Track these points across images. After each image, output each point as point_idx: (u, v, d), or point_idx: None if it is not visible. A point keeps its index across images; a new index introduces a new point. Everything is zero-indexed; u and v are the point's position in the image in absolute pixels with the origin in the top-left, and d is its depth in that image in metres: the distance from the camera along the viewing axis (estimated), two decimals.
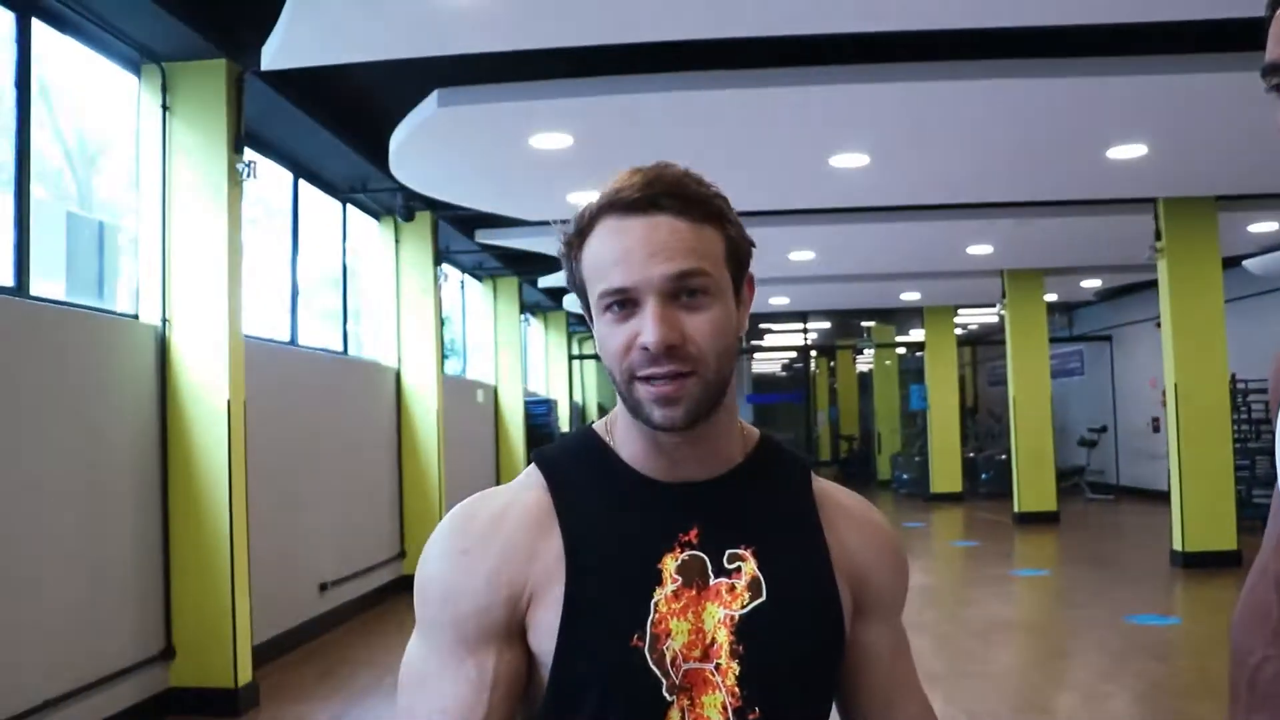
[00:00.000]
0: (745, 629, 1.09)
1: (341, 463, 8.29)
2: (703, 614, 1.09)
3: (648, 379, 1.07)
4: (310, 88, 6.49)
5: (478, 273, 13.79)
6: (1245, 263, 12.54)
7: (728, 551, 1.12)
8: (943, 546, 12.53)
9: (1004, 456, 17.62)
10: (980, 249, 11.97)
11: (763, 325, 22.06)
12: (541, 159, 7.16)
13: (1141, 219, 9.93)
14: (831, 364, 27.32)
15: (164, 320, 5.69)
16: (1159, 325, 15.72)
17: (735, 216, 1.15)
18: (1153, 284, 15.01)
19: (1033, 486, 14.01)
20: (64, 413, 4.91)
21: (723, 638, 1.09)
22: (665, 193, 1.08)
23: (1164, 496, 14.83)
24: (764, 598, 1.11)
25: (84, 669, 4.93)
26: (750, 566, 1.12)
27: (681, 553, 1.10)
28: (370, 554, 8.80)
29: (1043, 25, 5.41)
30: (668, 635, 1.07)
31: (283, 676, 6.45)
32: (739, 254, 1.14)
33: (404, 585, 9.14)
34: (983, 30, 5.48)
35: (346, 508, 8.36)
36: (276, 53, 5.11)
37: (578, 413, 18.88)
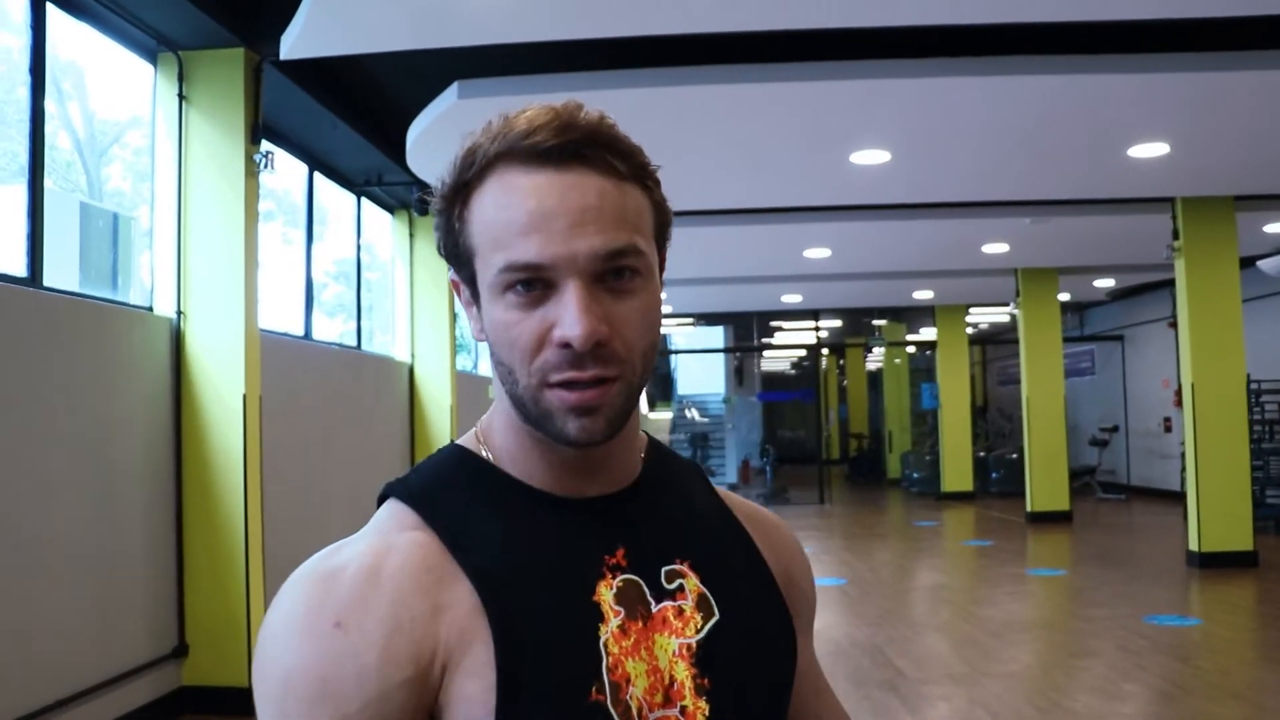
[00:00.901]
0: (706, 658, 0.91)
1: (355, 457, 8.24)
2: (654, 649, 0.89)
3: (566, 384, 0.85)
4: (327, 78, 6.45)
5: None
6: (1260, 263, 12.44)
7: (664, 569, 0.93)
8: (956, 546, 12.45)
9: (1014, 456, 17.57)
10: (996, 247, 11.89)
11: (774, 323, 22.00)
12: None
13: (1159, 219, 9.85)
14: (841, 362, 27.25)
15: (179, 313, 5.64)
16: (1171, 325, 15.68)
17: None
18: (1165, 284, 15.01)
19: (1046, 486, 13.93)
20: (77, 406, 4.85)
21: (682, 674, 0.89)
22: (589, 140, 0.86)
23: (1175, 496, 14.81)
24: (718, 616, 0.93)
25: (97, 667, 4.88)
26: (693, 582, 0.94)
27: (614, 578, 0.89)
28: None
29: (1067, 20, 5.33)
30: (627, 681, 0.86)
31: None
32: (665, 224, 0.93)
33: None
34: (1007, 25, 5.42)
35: (361, 503, 8.30)
36: (296, 42, 5.05)
37: None
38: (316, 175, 7.92)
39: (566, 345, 0.83)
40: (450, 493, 0.91)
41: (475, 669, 0.82)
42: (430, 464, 0.95)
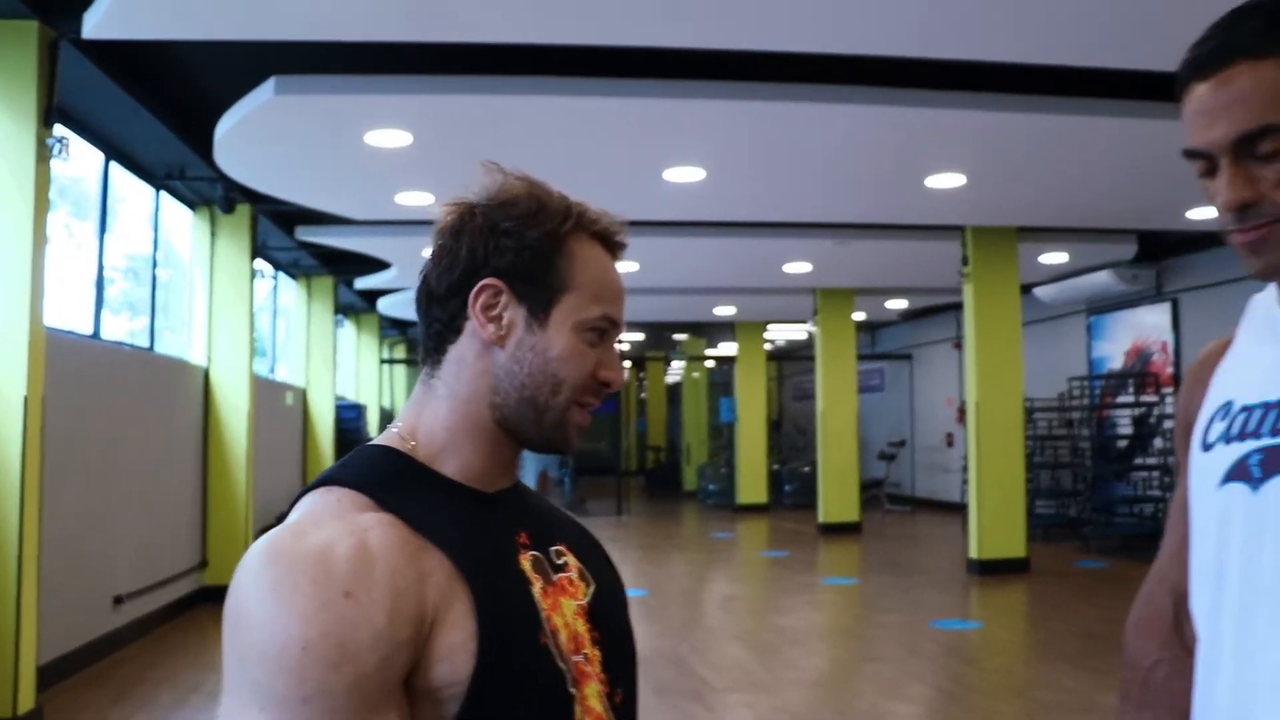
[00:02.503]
0: (594, 616, 1.12)
1: (142, 465, 7.80)
2: (562, 608, 1.08)
3: (586, 406, 1.12)
4: (130, 62, 6.09)
5: (293, 270, 13.32)
6: (1037, 290, 13.33)
7: (551, 549, 1.13)
8: (753, 557, 12.78)
9: (808, 469, 18.18)
10: (798, 267, 12.31)
11: None
12: (376, 157, 6.97)
13: (950, 245, 10.42)
14: (641, 375, 27.60)
15: None
16: (956, 345, 16.60)
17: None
18: (951, 306, 15.85)
19: (837, 498, 14.48)
20: None
21: (581, 628, 1.09)
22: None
23: (956, 508, 15.62)
24: (594, 586, 1.15)
25: None
26: (572, 560, 1.15)
27: (526, 554, 1.09)
28: (170, 564, 8.32)
29: (875, 55, 5.58)
30: (555, 630, 1.05)
31: (72, 699, 5.95)
32: None
33: (205, 597, 8.69)
34: (818, 55, 5.63)
35: (146, 514, 7.88)
36: (102, 20, 4.76)
37: (387, 418, 18.46)
38: (113, 165, 7.50)
39: (608, 385, 1.13)
40: (396, 482, 1.05)
41: (456, 622, 0.97)
42: (362, 459, 1.08)
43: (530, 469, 22.22)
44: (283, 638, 0.89)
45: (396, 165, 7.23)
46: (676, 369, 26.64)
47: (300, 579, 0.91)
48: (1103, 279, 12.38)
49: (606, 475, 20.70)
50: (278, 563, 0.92)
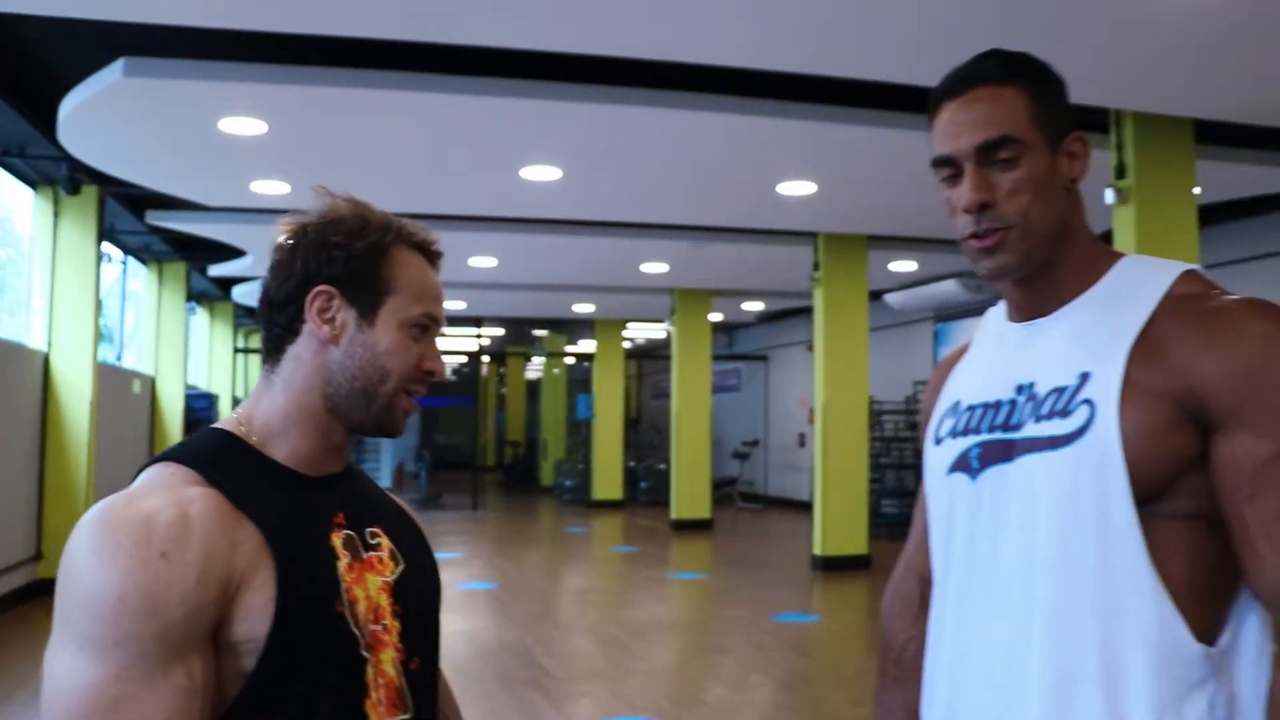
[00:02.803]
0: (398, 592, 1.26)
1: None
2: (367, 583, 1.21)
3: (411, 394, 1.26)
4: None
5: (143, 255, 12.95)
6: (886, 297, 13.83)
7: (367, 530, 1.27)
8: (605, 551, 12.96)
9: (663, 466, 18.45)
10: (655, 267, 12.52)
11: None
12: (231, 143, 6.89)
13: (803, 250, 10.77)
14: (501, 370, 27.56)
15: None
16: (809, 348, 17.05)
17: None
18: (806, 310, 16.26)
19: (690, 495, 14.77)
20: None
21: (385, 602, 1.23)
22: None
23: (807, 506, 16.05)
24: (404, 566, 1.29)
25: None
26: (386, 541, 1.29)
27: (340, 532, 1.22)
28: (1, 555, 8.05)
29: (731, 66, 5.77)
30: (354, 601, 1.18)
31: None
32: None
33: (41, 590, 8.43)
34: (677, 64, 5.80)
35: None
36: None
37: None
38: None
39: (430, 374, 1.27)
40: (225, 461, 1.19)
41: (259, 587, 1.10)
42: (200, 440, 1.23)
43: (387, 463, 22.03)
44: (102, 588, 1.03)
45: (252, 153, 7.15)
46: (537, 365, 26.67)
47: (124, 539, 1.05)
48: (949, 287, 12.90)
49: (464, 470, 20.64)
50: (106, 524, 1.06)
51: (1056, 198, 1.28)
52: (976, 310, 13.48)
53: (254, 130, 6.60)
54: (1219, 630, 1.20)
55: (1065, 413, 1.23)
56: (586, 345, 21.11)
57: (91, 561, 1.05)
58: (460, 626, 7.66)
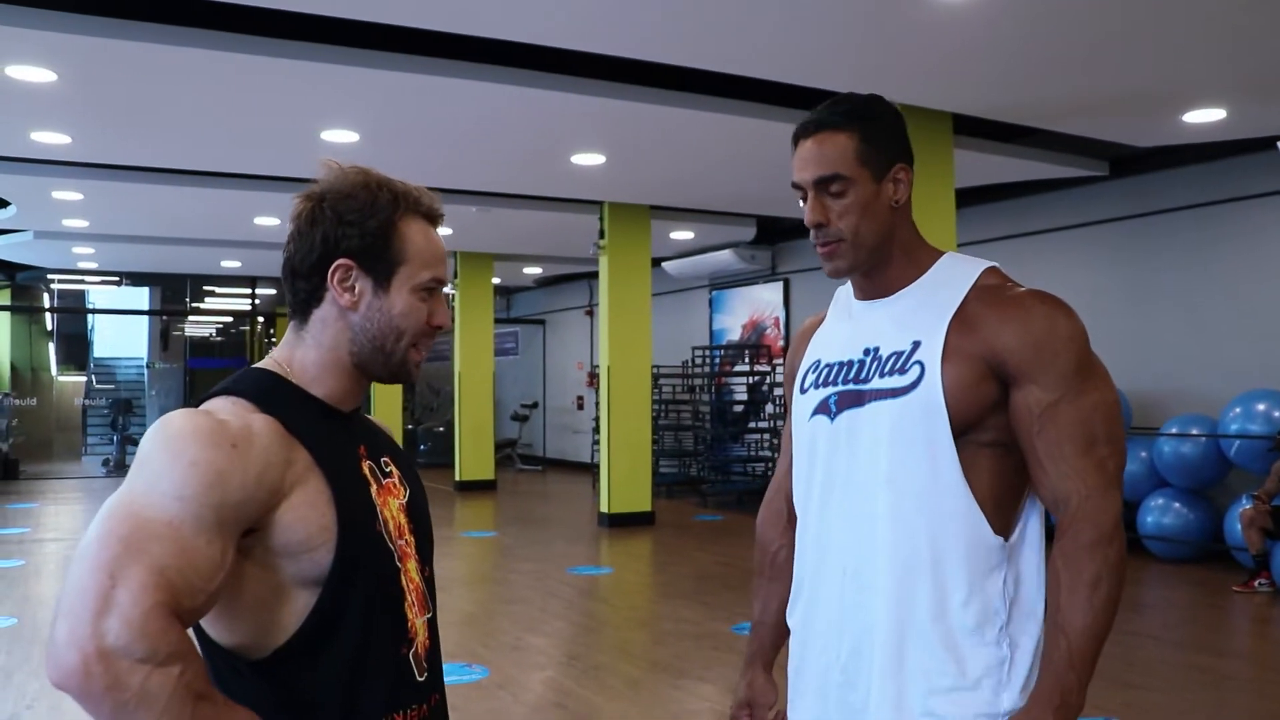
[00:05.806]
0: (410, 512, 1.48)
1: None
2: (390, 505, 1.43)
3: (421, 348, 1.47)
4: None
5: None
6: (665, 264, 14.41)
7: (381, 459, 1.48)
8: None
9: (442, 429, 18.57)
10: (440, 231, 12.58)
11: (206, 287, 21.30)
12: (13, 90, 6.63)
13: (589, 218, 11.16)
14: (271, 331, 26.84)
15: None
16: (588, 313, 17.54)
17: None
18: (584, 275, 16.75)
19: (473, 457, 15.02)
20: None
21: (404, 520, 1.45)
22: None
23: (585, 467, 16.60)
24: (410, 490, 1.51)
25: None
26: (395, 470, 1.50)
27: (365, 461, 1.44)
28: None
29: (534, 42, 6.03)
30: (386, 521, 1.41)
31: None
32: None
33: None
34: (476, 36, 6.02)
35: None
36: None
37: None
38: None
39: (439, 328, 1.47)
40: (277, 395, 1.39)
41: (310, 499, 1.31)
42: (250, 379, 1.41)
43: (152, 419, 21.12)
44: (178, 458, 1.22)
45: (36, 102, 6.91)
46: None
47: (201, 431, 1.25)
48: (725, 257, 13.60)
49: None
50: (185, 419, 1.27)
51: (882, 216, 1.67)
52: (750, 280, 14.26)
53: (43, 79, 6.40)
54: (1011, 527, 1.64)
55: (903, 370, 1.63)
56: None
57: (169, 444, 1.24)
58: None
